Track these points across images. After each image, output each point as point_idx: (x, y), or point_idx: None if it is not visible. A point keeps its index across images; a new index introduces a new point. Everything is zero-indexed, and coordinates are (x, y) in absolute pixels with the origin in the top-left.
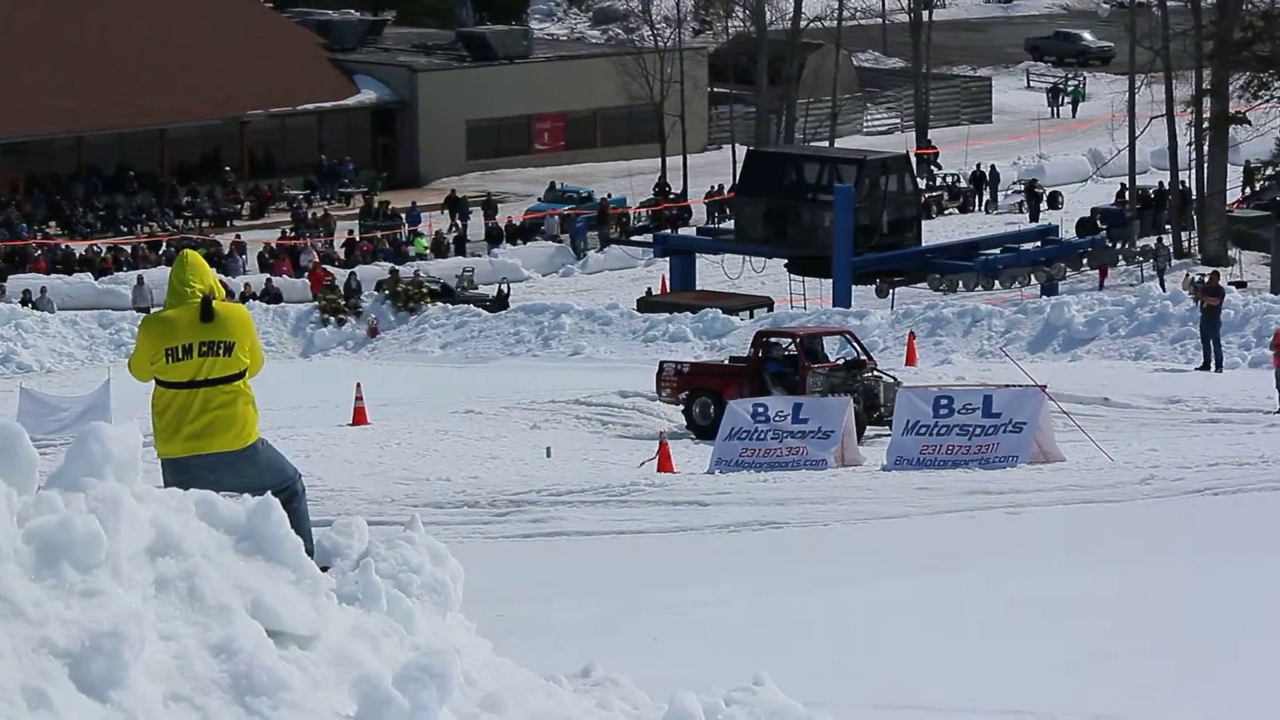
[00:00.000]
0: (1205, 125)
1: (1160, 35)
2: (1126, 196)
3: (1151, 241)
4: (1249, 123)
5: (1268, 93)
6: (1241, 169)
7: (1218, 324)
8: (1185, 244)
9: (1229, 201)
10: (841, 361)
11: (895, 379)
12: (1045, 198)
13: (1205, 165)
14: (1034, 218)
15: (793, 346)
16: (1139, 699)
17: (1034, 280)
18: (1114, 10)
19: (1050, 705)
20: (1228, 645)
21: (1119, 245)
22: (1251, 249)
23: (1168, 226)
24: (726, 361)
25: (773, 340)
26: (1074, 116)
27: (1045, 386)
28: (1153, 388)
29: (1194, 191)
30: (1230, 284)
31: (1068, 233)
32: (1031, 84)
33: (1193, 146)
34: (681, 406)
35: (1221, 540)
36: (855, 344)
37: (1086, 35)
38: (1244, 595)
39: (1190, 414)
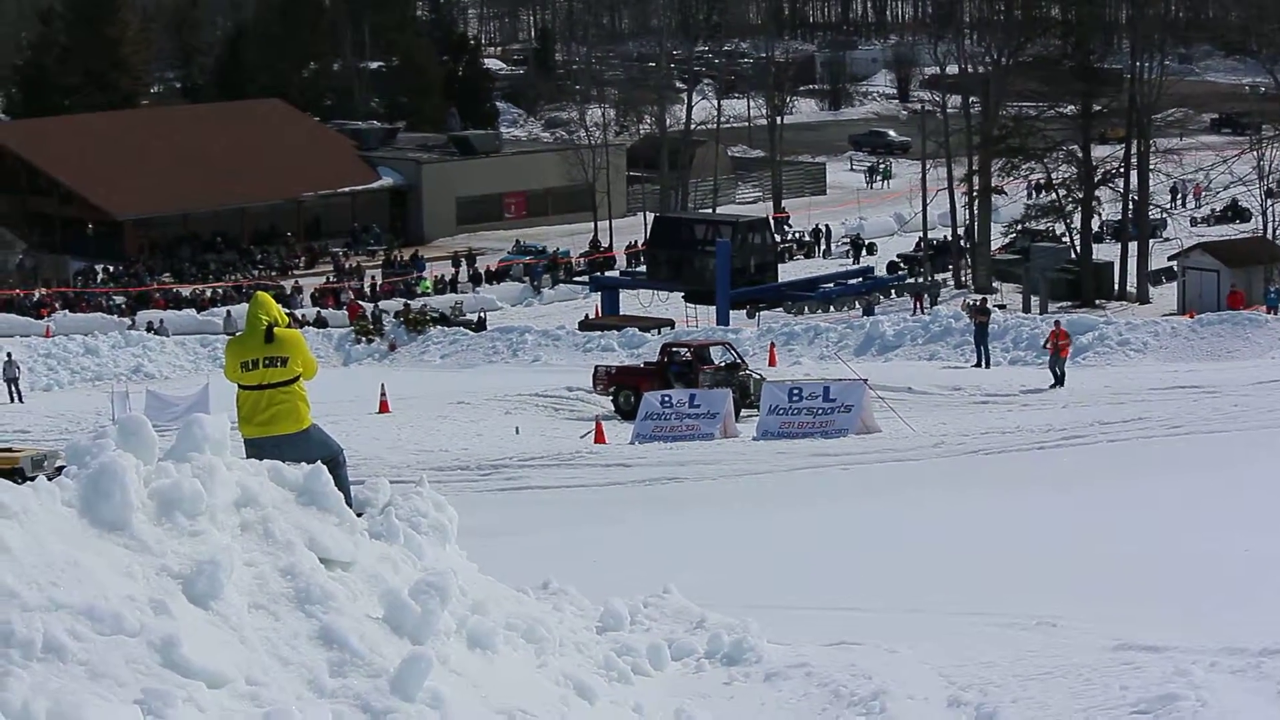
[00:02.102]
0: (975, 195)
1: (943, 132)
2: (921, 245)
3: (941, 277)
4: (1005, 193)
5: (1017, 172)
6: (1002, 225)
7: (987, 335)
8: (962, 278)
9: (992, 248)
10: (724, 364)
11: (761, 376)
12: (865, 247)
13: (975, 223)
14: (856, 261)
15: (688, 353)
16: (941, 589)
17: (857, 305)
18: (911, 115)
19: (877, 600)
20: (999, 548)
21: (932, 279)
22: (1009, 281)
23: (949, 266)
24: (642, 365)
25: (674, 349)
26: (886, 187)
27: (867, 380)
28: (941, 380)
29: (967, 241)
30: (994, 306)
31: (880, 271)
32: (853, 167)
33: (966, 209)
34: (611, 397)
35: (989, 482)
36: (733, 351)
37: (891, 132)
38: (1003, 517)
39: (968, 398)
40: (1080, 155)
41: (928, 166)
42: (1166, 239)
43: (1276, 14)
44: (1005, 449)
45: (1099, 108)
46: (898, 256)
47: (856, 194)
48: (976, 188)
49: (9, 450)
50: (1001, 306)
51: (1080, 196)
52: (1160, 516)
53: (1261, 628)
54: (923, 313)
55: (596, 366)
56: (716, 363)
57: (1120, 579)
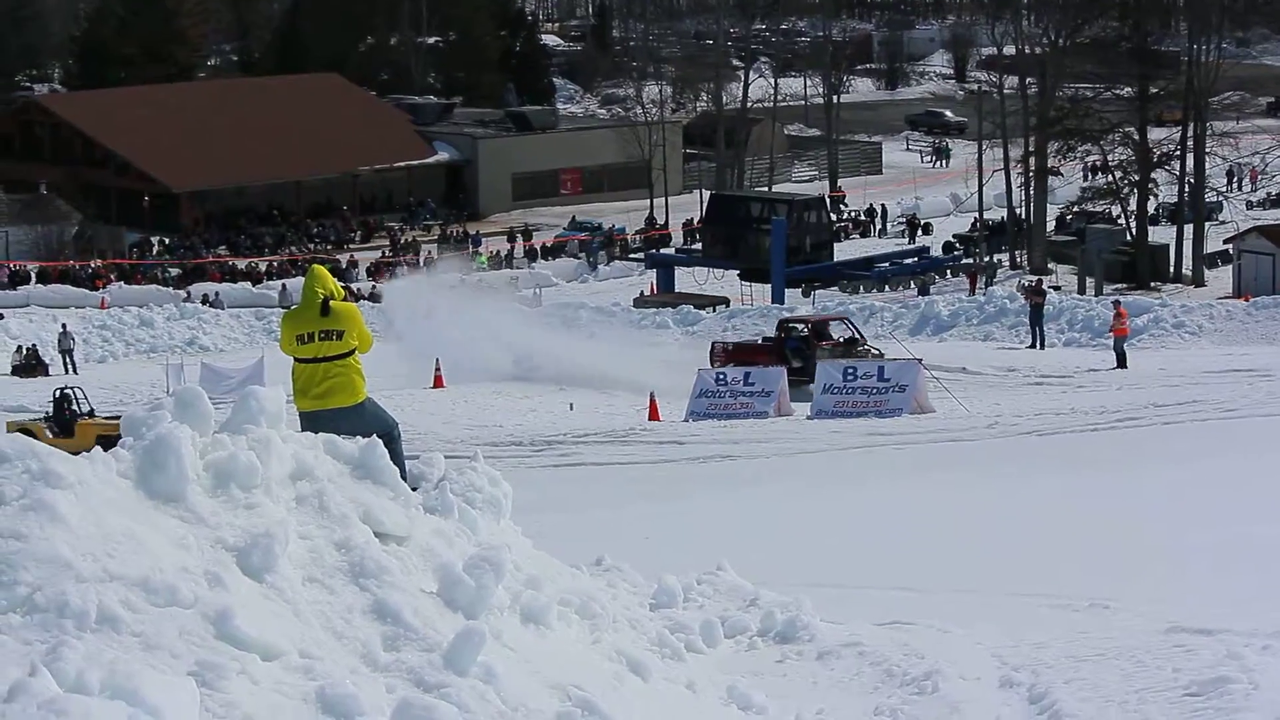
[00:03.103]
0: (1031, 176)
1: (999, 113)
2: (977, 226)
3: (996, 258)
4: (1061, 174)
5: (1073, 154)
6: (1058, 206)
7: (1042, 316)
8: (1018, 259)
9: (1048, 230)
10: (842, 339)
11: (880, 351)
12: (921, 227)
13: (1031, 204)
14: (912, 241)
15: (805, 329)
16: (994, 570)
17: (912, 285)
18: (968, 95)
19: (941, 582)
20: (1052, 530)
21: (988, 260)
22: (1065, 263)
23: (1005, 247)
24: (759, 341)
25: (791, 324)
26: (946, 166)
27: (921, 360)
28: (996, 361)
29: (1024, 222)
30: (1050, 288)
31: (935, 251)
32: (909, 147)
33: (1022, 190)
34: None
35: (1043, 463)
36: (851, 327)
37: (948, 113)
38: (1056, 499)
39: (1022, 379)
40: (1136, 138)
41: (984, 147)
42: (1222, 222)
43: None
44: (1060, 430)
45: (1156, 90)
46: (953, 237)
47: (913, 174)
48: (1033, 169)
49: (116, 419)
50: (1056, 288)
51: (1136, 179)
52: (1212, 500)
53: None
54: (978, 293)
55: (714, 343)
56: (835, 338)
57: (1172, 562)
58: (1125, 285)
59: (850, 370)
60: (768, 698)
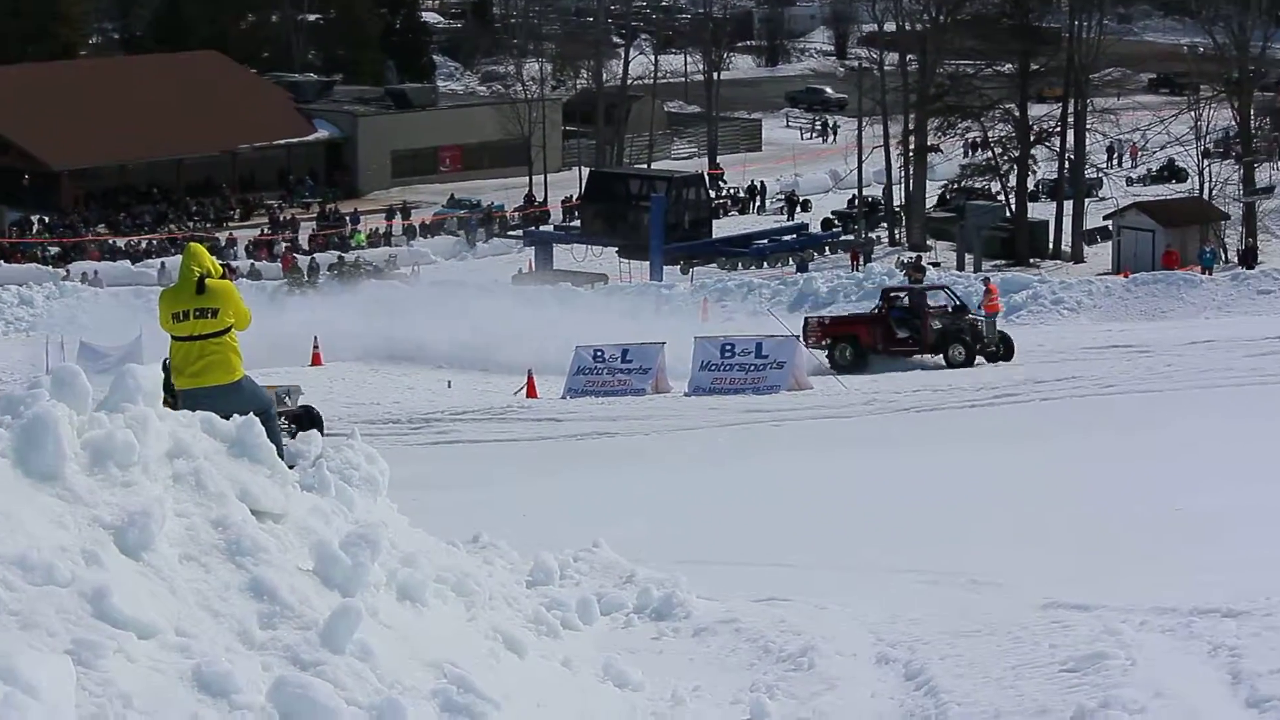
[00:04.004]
0: (911, 153)
1: (880, 90)
2: (856, 203)
3: (875, 234)
4: (941, 151)
5: (954, 131)
6: (938, 183)
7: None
8: (897, 236)
9: (927, 207)
10: (950, 307)
11: (991, 319)
12: (800, 204)
13: (911, 181)
14: (791, 218)
15: (909, 298)
16: (872, 546)
17: (791, 262)
18: (848, 72)
19: (808, 556)
20: (930, 506)
21: (867, 236)
22: (944, 240)
23: (884, 223)
24: (861, 313)
25: (893, 294)
26: (834, 142)
27: (799, 336)
28: None
29: (903, 199)
30: (929, 264)
31: (815, 228)
32: (790, 124)
33: (902, 167)
34: (826, 351)
35: (921, 440)
36: (953, 295)
37: (828, 89)
38: (934, 475)
39: (901, 356)
40: (1017, 114)
41: (864, 124)
42: (1102, 198)
43: None
44: (938, 407)
45: (1037, 67)
46: (832, 214)
47: (792, 151)
48: (913, 146)
49: None
50: (935, 264)
51: (1016, 155)
52: (1091, 475)
53: (1192, 587)
54: (857, 270)
55: (806, 318)
56: (941, 306)
57: (1051, 537)
58: (1004, 262)
59: (728, 347)
60: (644, 674)
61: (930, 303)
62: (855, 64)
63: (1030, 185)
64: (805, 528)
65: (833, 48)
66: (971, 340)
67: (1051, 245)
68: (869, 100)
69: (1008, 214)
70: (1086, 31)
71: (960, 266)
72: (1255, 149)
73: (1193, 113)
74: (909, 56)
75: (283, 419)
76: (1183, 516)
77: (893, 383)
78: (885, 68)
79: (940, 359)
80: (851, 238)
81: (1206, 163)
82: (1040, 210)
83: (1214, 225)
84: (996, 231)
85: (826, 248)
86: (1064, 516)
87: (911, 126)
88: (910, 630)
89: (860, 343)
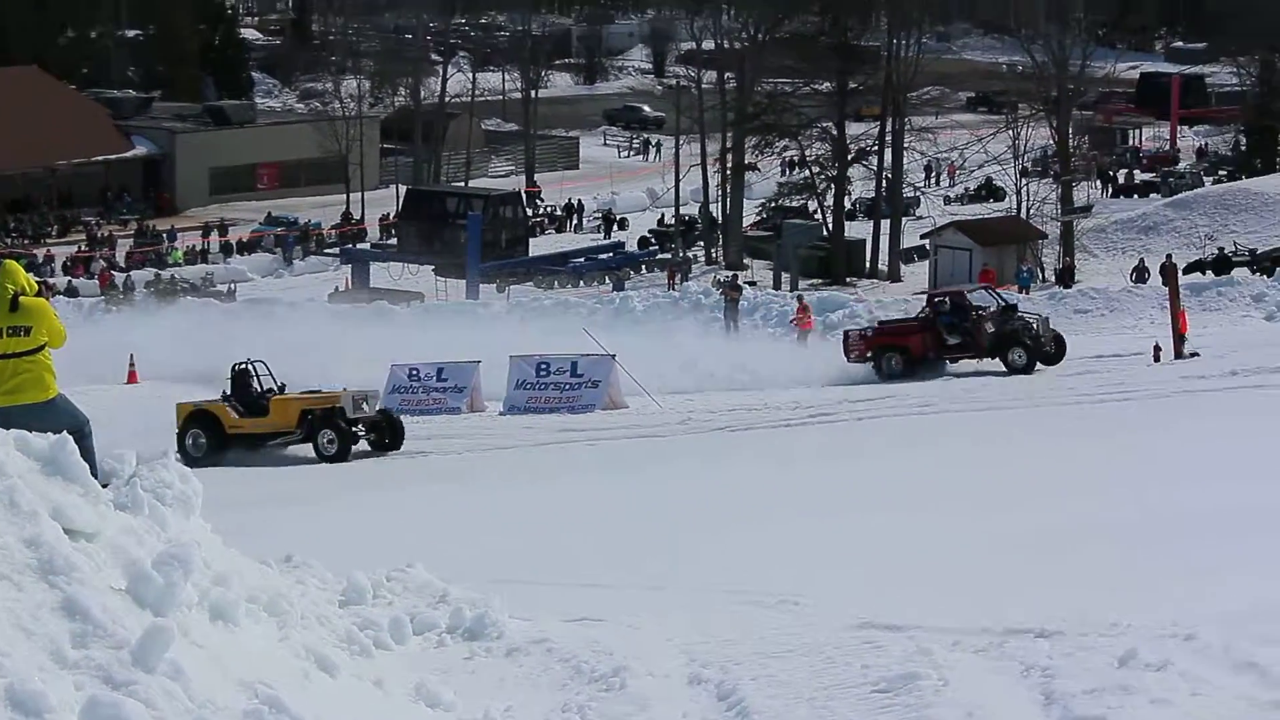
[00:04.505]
0: (729, 171)
1: (698, 108)
2: (666, 220)
3: (692, 253)
4: (759, 170)
5: (771, 149)
6: (755, 202)
7: (738, 311)
8: (714, 255)
9: (745, 225)
10: (999, 309)
11: (1045, 316)
12: (617, 222)
13: (728, 200)
14: (607, 236)
15: (956, 301)
16: (686, 566)
17: (608, 280)
18: (666, 90)
19: (621, 576)
20: (744, 526)
21: (684, 255)
22: (761, 259)
23: (701, 242)
24: (908, 320)
25: (938, 299)
26: (659, 159)
27: (615, 355)
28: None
29: (720, 218)
30: (745, 283)
31: (631, 246)
32: (607, 142)
33: (719, 186)
34: (871, 363)
35: (735, 459)
36: (996, 294)
37: (646, 108)
38: (747, 494)
39: (718, 376)
40: (835, 133)
41: (682, 142)
42: (919, 217)
43: None
44: (753, 426)
45: (855, 85)
46: (649, 232)
47: (610, 169)
48: (730, 164)
49: (321, 392)
50: (752, 283)
51: (834, 174)
52: (901, 495)
53: (1004, 608)
54: (674, 289)
55: (846, 331)
56: (985, 307)
57: (864, 558)
58: (821, 281)
59: (544, 366)
60: (456, 695)
61: (986, 304)
62: (673, 82)
63: (847, 204)
64: (619, 547)
65: (651, 66)
66: (1031, 341)
67: (868, 264)
68: (687, 118)
69: (825, 233)
70: (905, 50)
71: (777, 285)
72: (1073, 168)
73: (1011, 131)
74: (727, 75)
75: (359, 426)
76: (991, 538)
77: (709, 401)
78: (703, 86)
79: (985, 363)
80: (668, 256)
81: (1024, 181)
82: (857, 229)
83: (1031, 244)
84: (813, 250)
85: (643, 266)
86: (879, 535)
87: (729, 145)
88: (723, 651)
89: (911, 352)
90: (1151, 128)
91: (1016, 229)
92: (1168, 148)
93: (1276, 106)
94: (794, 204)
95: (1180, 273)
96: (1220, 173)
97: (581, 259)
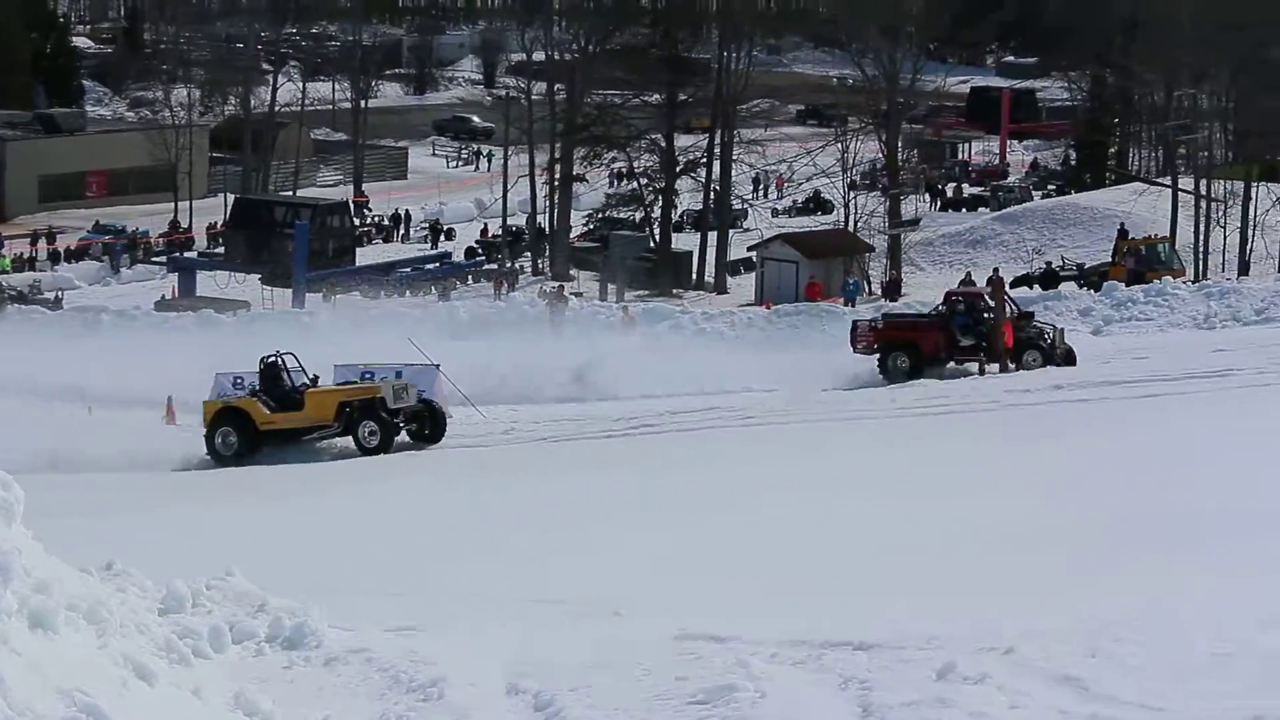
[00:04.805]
0: (556, 182)
1: (527, 119)
2: (485, 231)
3: (519, 263)
4: (587, 181)
5: (600, 161)
6: (583, 213)
7: (563, 321)
8: (541, 266)
9: (572, 236)
10: (1014, 313)
11: (1060, 328)
12: (444, 232)
13: (556, 210)
14: (435, 246)
15: (974, 303)
16: (506, 577)
17: (434, 290)
18: (496, 101)
19: (451, 588)
20: (565, 536)
21: (511, 265)
22: (588, 269)
23: (528, 252)
24: (919, 316)
25: (955, 298)
26: (489, 168)
27: (439, 365)
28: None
29: (547, 229)
30: (571, 294)
31: (458, 257)
32: (436, 152)
33: (548, 197)
34: (876, 358)
35: (559, 468)
36: (1010, 300)
37: (475, 118)
38: (570, 504)
39: (546, 384)
40: (663, 145)
41: (511, 153)
42: (747, 230)
43: (866, 8)
44: (576, 437)
45: (684, 97)
46: (476, 242)
47: (438, 179)
48: (558, 175)
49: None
50: (579, 294)
51: (662, 186)
52: (726, 506)
53: (825, 620)
54: (500, 299)
55: (855, 322)
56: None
57: (683, 569)
58: (648, 292)
59: (368, 375)
60: (275, 704)
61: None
62: (503, 93)
63: (675, 216)
64: (441, 557)
65: (481, 76)
66: (1049, 346)
67: (695, 276)
68: (515, 129)
69: (652, 244)
70: (735, 63)
71: (603, 296)
72: (901, 181)
73: (840, 145)
74: (557, 86)
75: (399, 417)
76: (820, 548)
77: (531, 412)
78: (533, 97)
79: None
80: (495, 267)
81: (852, 195)
82: (685, 241)
83: (858, 257)
84: (640, 261)
85: (470, 276)
86: (700, 546)
87: (557, 156)
88: (542, 661)
89: (921, 351)
90: (981, 142)
91: (844, 242)
92: (997, 162)
93: (1106, 121)
94: (622, 215)
95: (1007, 286)
96: (1049, 187)
97: (408, 269)
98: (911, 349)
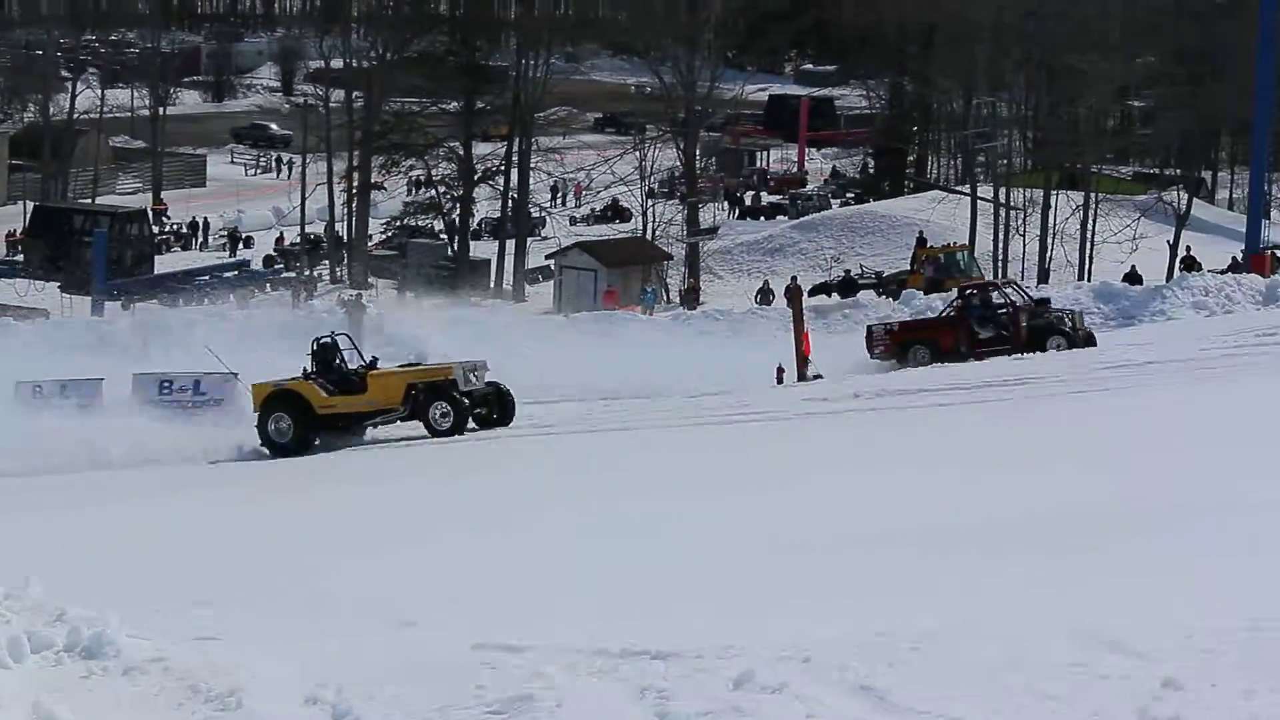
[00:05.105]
0: (354, 190)
1: (325, 127)
2: (300, 240)
3: (318, 271)
4: (385, 189)
5: (398, 169)
6: (381, 221)
7: (361, 330)
8: (339, 274)
9: (370, 244)
10: (1028, 303)
11: (1077, 312)
12: (243, 240)
13: (354, 219)
14: (233, 254)
15: (977, 295)
16: (309, 588)
17: (232, 298)
18: (294, 108)
19: (249, 597)
20: (346, 547)
21: (309, 273)
22: (386, 277)
23: (327, 260)
24: (936, 316)
25: (968, 291)
26: (289, 177)
27: (237, 374)
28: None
29: (345, 237)
30: (368, 302)
31: (257, 264)
32: (234, 160)
33: (346, 205)
34: (894, 360)
35: (359, 478)
36: (1023, 290)
37: (274, 126)
38: (366, 513)
39: None
40: (461, 152)
41: (309, 161)
42: (545, 238)
43: (664, 16)
44: (372, 445)
45: (483, 105)
46: (275, 250)
47: (236, 187)
48: (356, 183)
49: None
50: (376, 302)
51: (459, 194)
52: (521, 515)
53: (624, 628)
54: (298, 307)
55: (870, 327)
56: (1015, 302)
57: (481, 578)
58: (446, 300)
59: (166, 383)
60: (73, 713)
61: (1014, 298)
62: (301, 100)
63: (473, 224)
64: (238, 566)
65: (280, 84)
66: (1071, 329)
67: (493, 284)
68: (314, 137)
69: (450, 252)
70: (533, 71)
71: (401, 305)
72: (699, 189)
73: (638, 153)
74: (355, 93)
75: (467, 400)
76: (619, 555)
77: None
78: (331, 104)
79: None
80: (293, 275)
81: (651, 203)
82: (483, 249)
83: (656, 265)
84: (438, 269)
85: (268, 284)
86: (499, 554)
87: (355, 164)
88: (340, 670)
89: (941, 347)
90: (780, 150)
91: (642, 250)
92: (795, 170)
93: (905, 129)
94: (420, 223)
95: (805, 295)
96: (848, 195)
97: (206, 276)
98: (931, 345)
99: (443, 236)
